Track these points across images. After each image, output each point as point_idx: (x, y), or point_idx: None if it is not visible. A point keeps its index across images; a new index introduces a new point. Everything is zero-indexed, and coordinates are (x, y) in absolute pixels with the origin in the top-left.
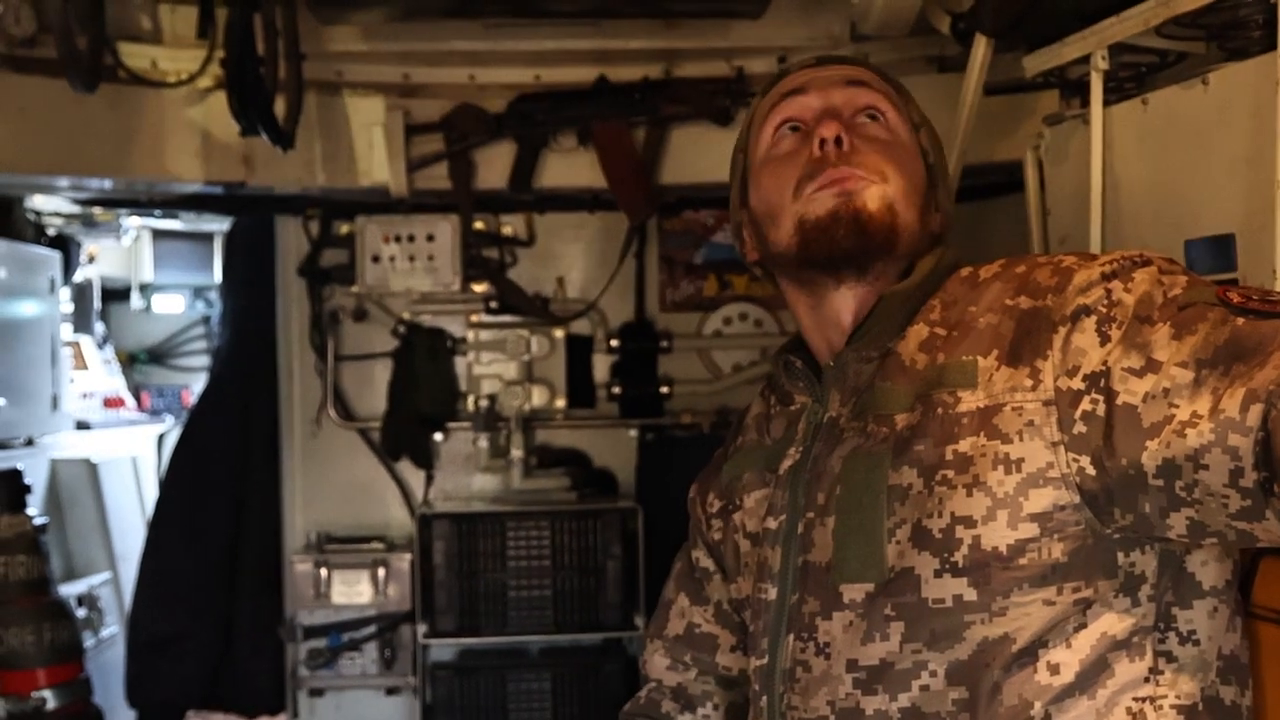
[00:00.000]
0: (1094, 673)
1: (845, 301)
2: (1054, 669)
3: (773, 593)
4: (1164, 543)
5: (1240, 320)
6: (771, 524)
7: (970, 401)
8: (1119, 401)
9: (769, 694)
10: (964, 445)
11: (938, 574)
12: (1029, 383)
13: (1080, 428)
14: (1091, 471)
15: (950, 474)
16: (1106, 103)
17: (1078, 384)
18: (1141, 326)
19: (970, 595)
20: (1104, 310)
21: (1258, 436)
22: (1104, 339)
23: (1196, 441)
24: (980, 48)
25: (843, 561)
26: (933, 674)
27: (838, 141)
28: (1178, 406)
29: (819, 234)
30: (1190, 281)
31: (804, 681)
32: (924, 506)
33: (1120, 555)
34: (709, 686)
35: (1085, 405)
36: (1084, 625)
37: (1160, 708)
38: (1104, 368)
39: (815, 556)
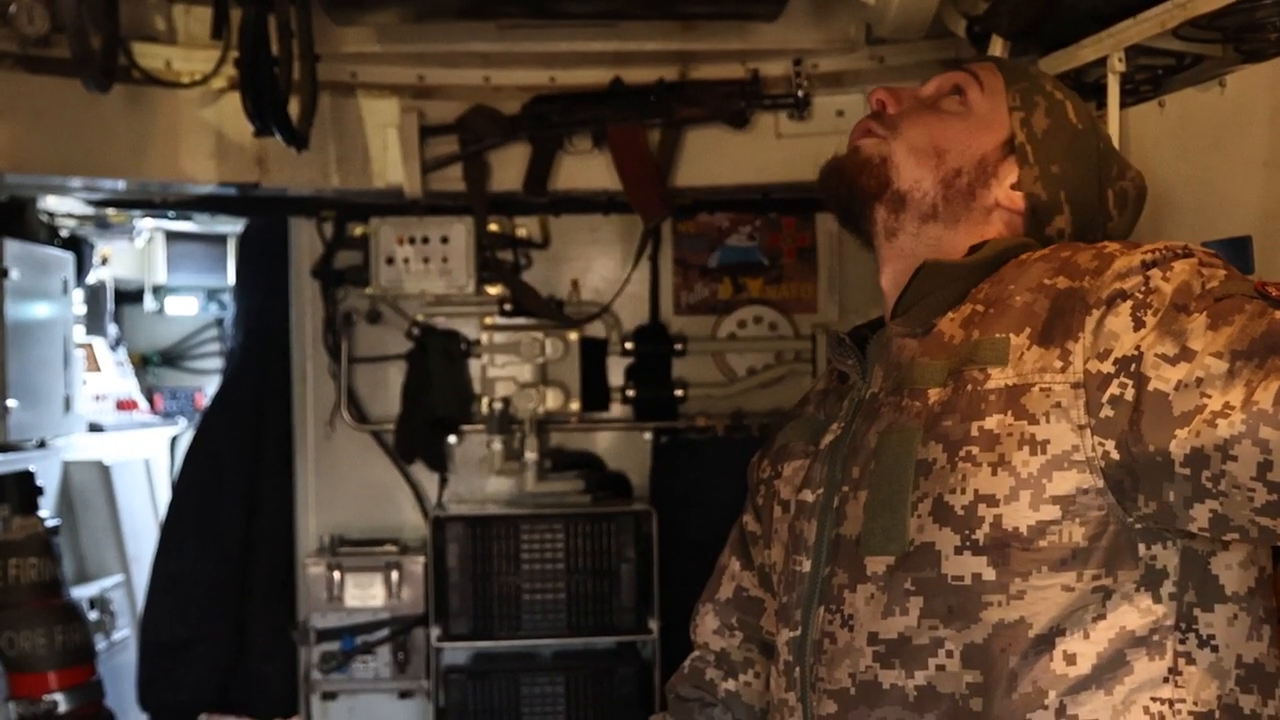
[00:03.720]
0: (1112, 667)
1: (883, 268)
2: (1070, 659)
3: (807, 565)
4: (1186, 537)
5: (1278, 313)
6: (809, 497)
7: (999, 379)
8: (1150, 388)
9: (801, 665)
10: (990, 422)
11: (958, 550)
12: (1059, 364)
13: (1107, 411)
14: (1116, 456)
15: (975, 450)
16: (1123, 105)
17: (1108, 367)
18: (1178, 315)
19: (989, 574)
20: (1140, 296)
21: None
22: (1138, 324)
23: (1227, 432)
24: (996, 50)
25: (870, 534)
26: (949, 654)
27: (880, 105)
28: (1210, 396)
29: (821, 183)
30: (1229, 275)
31: (830, 653)
32: (946, 482)
33: (1142, 546)
34: (751, 654)
35: (1114, 389)
36: (1103, 616)
37: (1179, 712)
38: (1137, 352)
39: (847, 530)
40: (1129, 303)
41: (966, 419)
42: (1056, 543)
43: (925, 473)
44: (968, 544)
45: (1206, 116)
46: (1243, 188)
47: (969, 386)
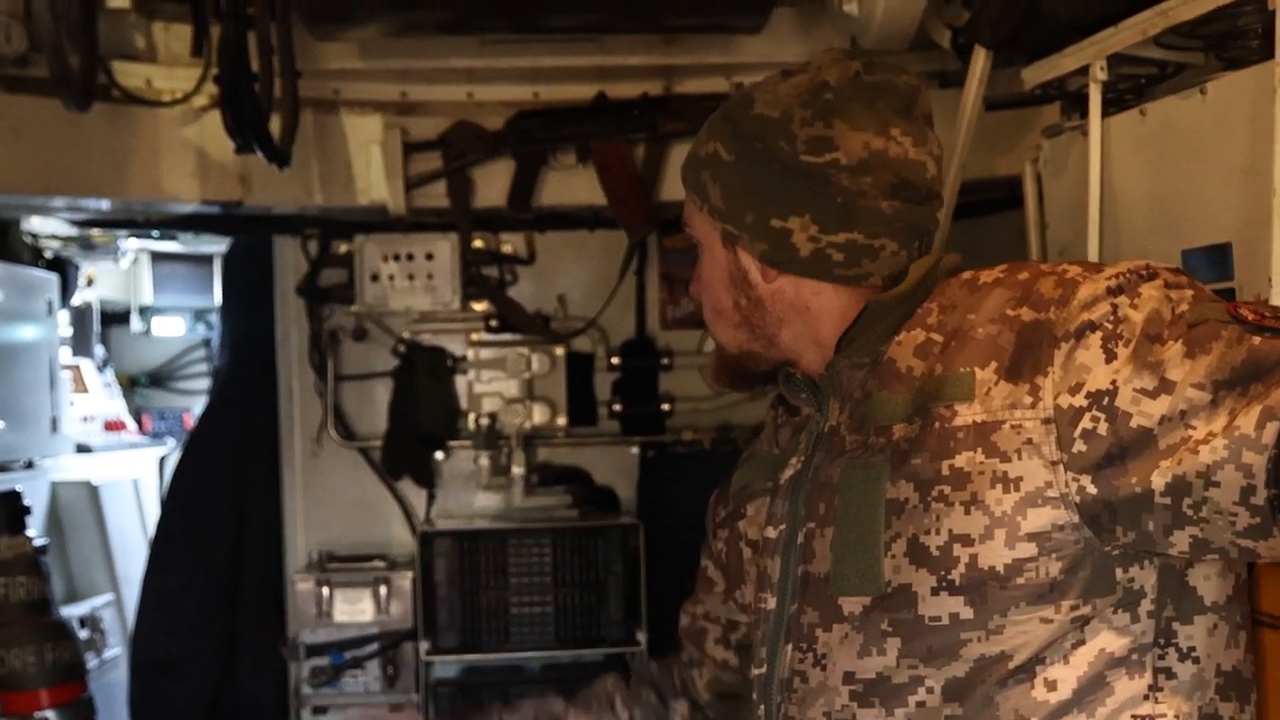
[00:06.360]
0: (1092, 689)
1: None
2: (1051, 685)
3: (772, 602)
4: (1163, 558)
5: (1257, 339)
6: (771, 533)
7: (967, 415)
8: (1133, 424)
9: (766, 703)
10: (960, 460)
11: (935, 591)
12: (1028, 400)
13: (1080, 446)
14: (1093, 490)
15: (947, 490)
16: (1105, 114)
17: (1080, 401)
18: (1152, 345)
19: (967, 614)
20: (1110, 327)
21: (1272, 454)
22: (1110, 356)
23: (1209, 458)
24: (979, 60)
25: (840, 574)
26: (929, 690)
27: None
28: (1195, 428)
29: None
30: (1197, 295)
31: (801, 692)
32: (920, 522)
33: (1119, 571)
34: (697, 656)
35: (1086, 423)
36: (1082, 642)
37: None
38: (1112, 387)
39: (815, 567)
40: (1098, 334)
41: (936, 457)
42: (1034, 579)
43: (897, 512)
44: (944, 584)
45: (1187, 124)
46: (1223, 195)
47: (936, 424)
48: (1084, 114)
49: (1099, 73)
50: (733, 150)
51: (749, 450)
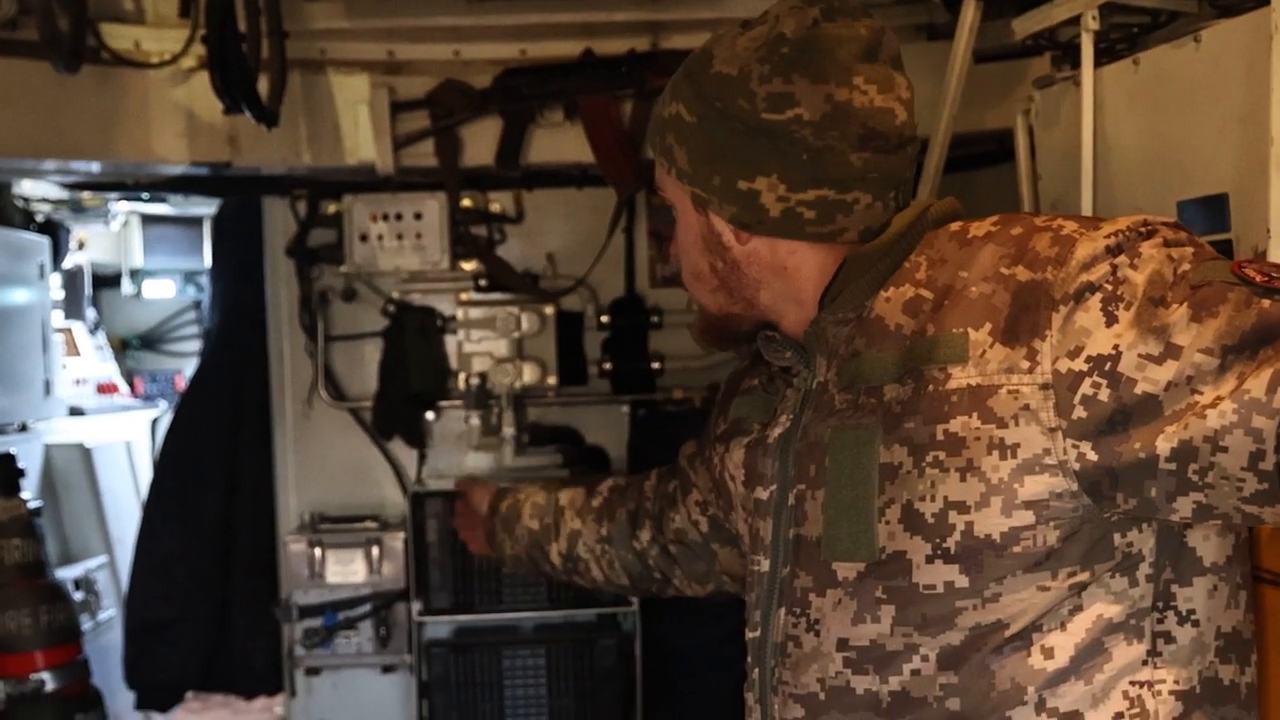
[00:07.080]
0: (1089, 656)
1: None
2: (1048, 652)
3: (765, 564)
4: (1162, 522)
5: (1266, 302)
6: (762, 495)
7: (960, 378)
8: (1138, 390)
9: (760, 666)
10: (955, 425)
11: (929, 559)
12: (1025, 364)
13: (1080, 412)
14: (1093, 457)
15: (942, 455)
16: (1097, 64)
17: (1079, 365)
18: (1156, 309)
19: (962, 582)
20: (1110, 289)
21: None
22: (1110, 319)
23: (1217, 422)
24: (969, 10)
25: (834, 539)
26: (924, 659)
27: None
28: (1201, 393)
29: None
30: (1198, 253)
31: (795, 657)
32: (915, 488)
33: (1117, 536)
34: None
35: (1086, 389)
36: (1079, 608)
37: (1159, 693)
38: (1114, 352)
39: (807, 530)
40: (1098, 295)
41: (930, 421)
42: (1030, 547)
43: (890, 477)
44: (939, 552)
45: (1181, 73)
46: (1218, 145)
47: (930, 387)
48: (1076, 64)
49: (1091, 22)
50: (695, 111)
51: (753, 382)
